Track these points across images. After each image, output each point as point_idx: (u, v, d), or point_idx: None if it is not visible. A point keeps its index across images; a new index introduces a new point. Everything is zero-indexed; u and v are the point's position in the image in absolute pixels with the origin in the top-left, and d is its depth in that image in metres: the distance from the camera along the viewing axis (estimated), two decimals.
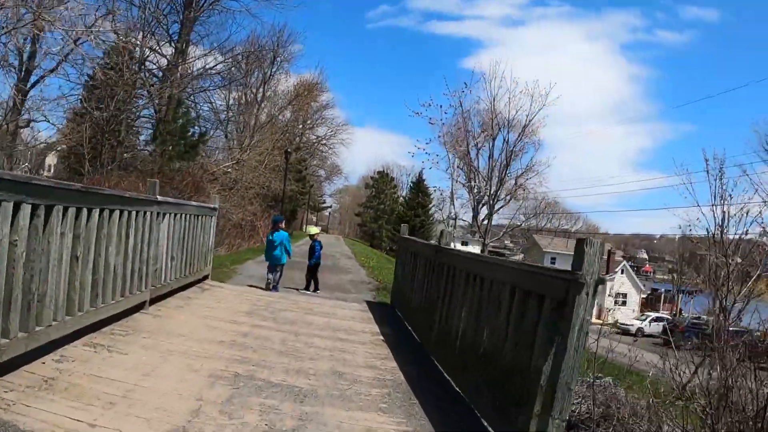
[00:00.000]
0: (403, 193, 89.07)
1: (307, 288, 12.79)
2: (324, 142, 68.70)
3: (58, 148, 27.31)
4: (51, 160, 38.03)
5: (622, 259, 59.16)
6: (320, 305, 10.11)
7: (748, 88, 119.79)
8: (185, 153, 23.68)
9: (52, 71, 21.96)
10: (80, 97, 23.88)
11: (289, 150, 36.44)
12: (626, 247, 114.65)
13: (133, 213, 6.61)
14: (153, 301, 7.75)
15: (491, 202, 34.56)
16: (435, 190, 65.83)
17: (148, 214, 7.22)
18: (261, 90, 49.74)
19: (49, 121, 21.64)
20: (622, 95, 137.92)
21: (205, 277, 11.04)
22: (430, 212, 67.17)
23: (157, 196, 7.54)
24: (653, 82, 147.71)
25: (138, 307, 7.18)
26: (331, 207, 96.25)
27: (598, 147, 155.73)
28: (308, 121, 61.01)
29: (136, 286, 6.96)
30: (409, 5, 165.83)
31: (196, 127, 27.21)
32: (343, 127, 69.82)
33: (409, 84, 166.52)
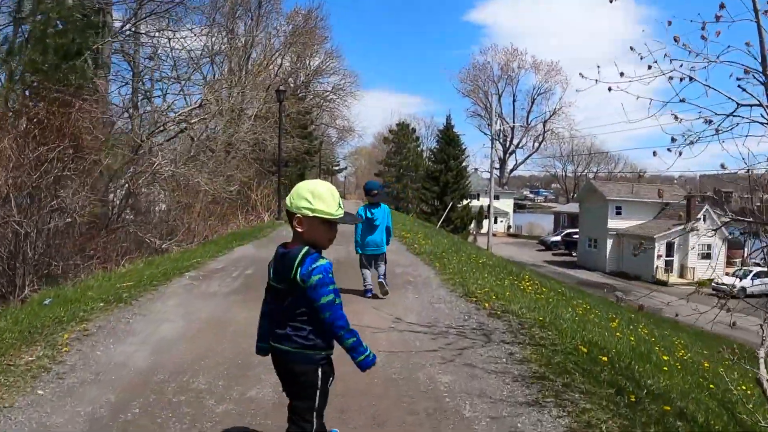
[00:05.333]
0: (427, 146, 78.70)
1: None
2: (332, 93, 58.32)
3: None
4: None
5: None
6: None
7: None
8: (52, 72, 12.83)
9: None
10: None
11: (282, 88, 25.77)
12: None
13: None
14: None
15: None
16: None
17: None
18: (251, 34, 39.60)
19: None
20: (632, 37, 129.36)
21: None
22: (464, 164, 56.21)
23: None
24: (661, 21, 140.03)
25: None
26: (346, 169, 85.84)
27: (611, 91, 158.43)
28: (309, 63, 50.51)
29: None
30: None
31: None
32: (352, 78, 59.84)
33: (410, 41, 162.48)
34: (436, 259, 11.59)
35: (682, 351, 9.66)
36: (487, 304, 6.86)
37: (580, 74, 5.38)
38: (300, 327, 2.72)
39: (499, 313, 6.44)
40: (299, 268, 2.67)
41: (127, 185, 17.19)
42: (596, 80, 5.19)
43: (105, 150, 13.12)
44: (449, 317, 6.25)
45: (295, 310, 2.73)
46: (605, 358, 5.02)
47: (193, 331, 5.55)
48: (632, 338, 8.07)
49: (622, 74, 5.19)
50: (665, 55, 4.94)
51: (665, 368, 5.91)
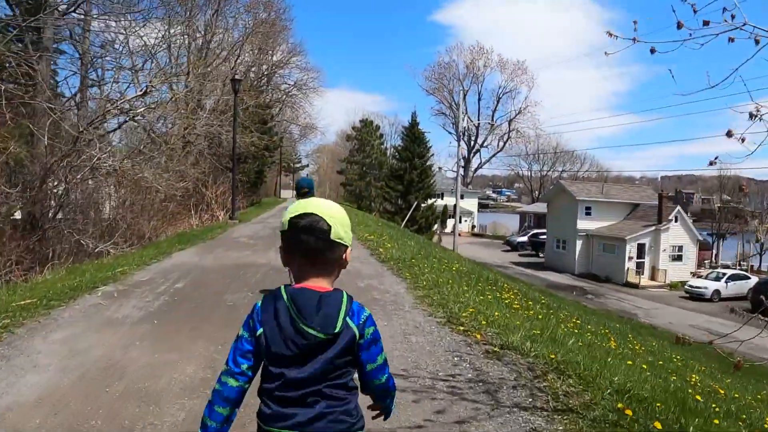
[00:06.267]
0: (391, 144, 77.20)
1: None
2: (294, 88, 56.62)
3: None
4: None
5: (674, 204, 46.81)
6: None
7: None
8: None
9: None
10: None
11: (237, 77, 23.94)
12: None
13: None
14: None
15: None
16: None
17: None
18: (211, 26, 37.59)
19: None
20: (596, 40, 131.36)
21: None
22: (429, 163, 54.58)
23: None
24: (627, 25, 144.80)
25: None
26: (308, 166, 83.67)
27: (573, 91, 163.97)
28: (271, 55, 48.62)
29: None
30: None
31: None
32: (315, 73, 58.52)
33: (375, 40, 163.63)
34: (406, 268, 10.04)
35: (694, 376, 8.28)
36: (478, 335, 5.31)
37: (608, 33, 4.22)
38: (343, 396, 1.87)
39: (497, 349, 4.88)
40: (348, 318, 1.89)
41: (63, 181, 15.39)
42: (634, 39, 4.00)
43: (14, 137, 11.25)
44: (433, 358, 4.66)
45: (335, 372, 1.87)
46: (659, 425, 3.55)
47: (65, 387, 3.84)
48: (645, 366, 6.73)
49: (680, 26, 3.80)
50: (724, 9, 3.64)
51: (716, 420, 4.51)
